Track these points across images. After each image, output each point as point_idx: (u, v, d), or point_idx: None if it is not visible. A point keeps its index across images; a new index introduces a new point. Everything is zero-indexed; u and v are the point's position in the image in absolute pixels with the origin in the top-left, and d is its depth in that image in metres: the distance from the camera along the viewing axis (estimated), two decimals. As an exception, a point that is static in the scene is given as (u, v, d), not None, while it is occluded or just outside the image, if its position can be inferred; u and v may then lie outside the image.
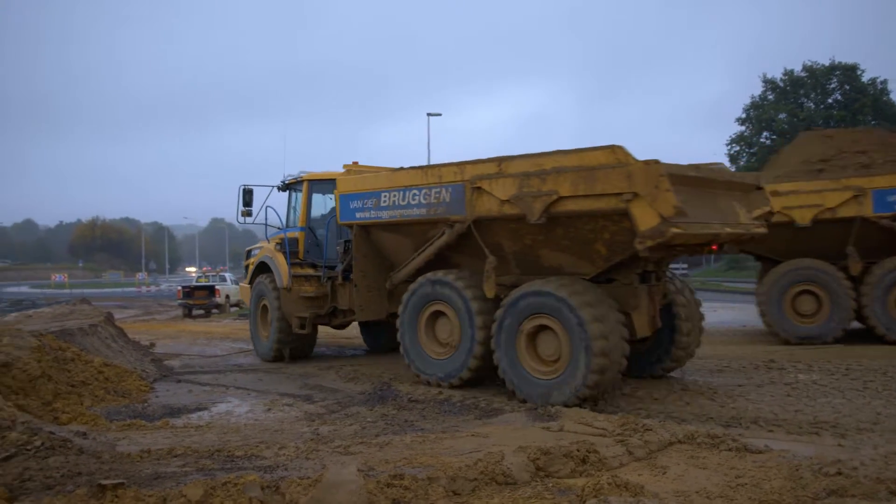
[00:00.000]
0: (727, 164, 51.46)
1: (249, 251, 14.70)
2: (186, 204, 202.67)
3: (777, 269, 13.52)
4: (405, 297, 9.95)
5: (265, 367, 11.79)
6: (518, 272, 9.07)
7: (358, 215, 10.46)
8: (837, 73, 47.11)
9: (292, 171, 13.25)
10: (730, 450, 5.63)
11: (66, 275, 70.53)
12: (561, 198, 7.95)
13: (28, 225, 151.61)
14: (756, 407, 7.79)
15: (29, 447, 5.64)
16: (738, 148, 50.56)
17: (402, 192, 9.73)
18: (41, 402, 7.55)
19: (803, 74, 47.87)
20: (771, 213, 9.26)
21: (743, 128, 50.17)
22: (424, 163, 10.13)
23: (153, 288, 57.67)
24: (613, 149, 7.66)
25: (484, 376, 9.21)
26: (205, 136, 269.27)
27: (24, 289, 69.18)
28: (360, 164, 12.52)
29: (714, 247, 8.75)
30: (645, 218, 7.36)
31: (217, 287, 27.53)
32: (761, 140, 49.31)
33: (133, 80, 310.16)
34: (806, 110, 46.92)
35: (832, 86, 47.66)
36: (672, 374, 9.97)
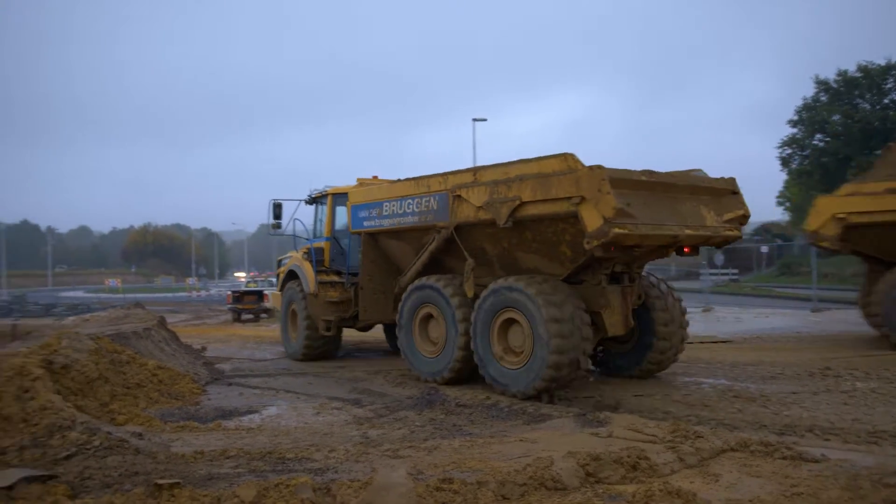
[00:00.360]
0: (779, 167, 50.59)
1: (280, 260, 15.58)
2: (235, 210, 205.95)
3: (895, 272, 12.88)
4: (402, 301, 10.83)
5: (314, 370, 11.91)
6: (503, 274, 9.65)
7: (365, 224, 11.43)
8: (894, 72, 45.85)
9: (318, 185, 14.15)
10: (784, 458, 5.52)
11: (119, 280, 72.16)
12: (523, 203, 8.63)
13: (83, 231, 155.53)
14: (811, 415, 7.61)
15: (88, 447, 5.80)
16: (790, 151, 49.55)
17: (399, 202, 10.68)
18: (98, 404, 7.73)
19: (858, 75, 46.69)
20: (745, 217, 9.38)
21: (795, 130, 49.12)
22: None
23: (203, 293, 58.67)
24: (565, 156, 8.35)
25: (468, 375, 9.84)
26: (255, 143, 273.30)
27: (80, 293, 70.94)
28: (378, 177, 13.30)
29: (687, 249, 9.22)
30: (591, 219, 7.95)
31: (266, 292, 27.88)
32: (814, 142, 48.24)
33: (183, 86, 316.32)
34: (861, 111, 45.74)
35: (888, 86, 46.38)
36: (658, 374, 10.35)
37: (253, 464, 5.64)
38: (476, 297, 9.58)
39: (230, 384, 10.62)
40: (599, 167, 7.96)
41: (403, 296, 10.80)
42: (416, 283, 10.58)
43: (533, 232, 8.99)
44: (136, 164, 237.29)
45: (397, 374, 11.09)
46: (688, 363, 11.66)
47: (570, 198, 8.09)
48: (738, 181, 9.50)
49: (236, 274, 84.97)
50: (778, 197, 58.08)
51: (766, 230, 62.70)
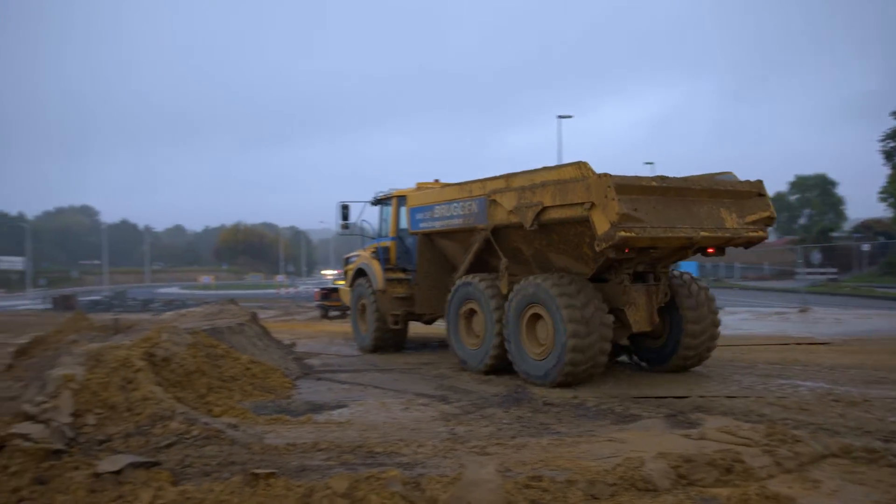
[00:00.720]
0: (881, 160, 48.28)
1: (347, 258, 16.93)
2: (322, 209, 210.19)
3: None
4: (449, 297, 11.70)
5: (401, 367, 12.05)
6: (538, 272, 10.32)
7: (421, 225, 12.43)
8: None
9: (382, 188, 15.02)
10: (891, 466, 5.26)
11: (212, 276, 74.67)
12: (545, 207, 9.36)
13: (177, 230, 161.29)
14: (920, 421, 7.22)
15: (187, 436, 6.03)
16: (893, 144, 47.18)
17: (447, 205, 11.63)
18: (196, 395, 8.03)
19: (968, 63, 43.99)
20: (770, 219, 9.75)
21: (898, 122, 46.71)
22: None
23: (291, 290, 60.00)
24: (579, 164, 9.05)
25: (505, 365, 10.43)
26: (340, 142, 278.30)
27: (175, 289, 73.72)
28: (439, 181, 13.95)
29: (711, 250, 9.69)
30: (600, 223, 8.60)
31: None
32: (921, 135, 45.77)
33: (274, 89, 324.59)
34: (971, 101, 43.12)
35: None
36: (695, 369, 10.67)
37: (343, 457, 5.75)
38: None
39: (319, 379, 10.84)
40: (606, 175, 8.60)
41: (451, 291, 11.67)
42: (461, 280, 11.49)
43: (558, 234, 9.69)
44: (228, 165, 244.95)
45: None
46: (782, 365, 11.27)
47: (582, 203, 8.78)
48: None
49: (323, 272, 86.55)
50: (880, 193, 55.35)
51: (867, 227, 59.90)
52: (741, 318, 20.87)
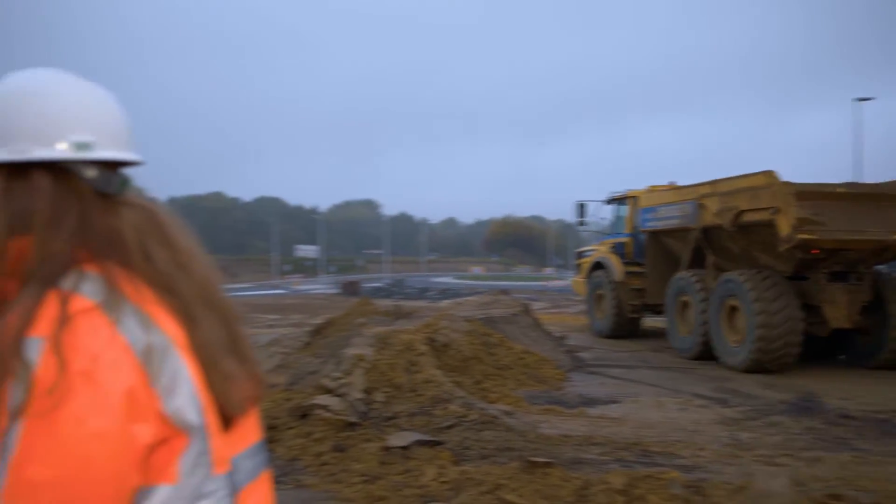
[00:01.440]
0: None
1: (580, 252, 18.49)
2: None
3: None
4: (668, 289, 12.92)
5: (676, 365, 11.63)
6: (745, 268, 11.01)
7: (648, 224, 13.95)
8: None
9: (625, 186, 16.31)
10: None
11: (482, 268, 77.49)
12: (741, 211, 10.51)
13: (450, 222, 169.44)
14: None
15: (466, 419, 6.27)
16: None
17: (668, 207, 13.04)
18: (472, 381, 8.35)
19: None
20: None
21: None
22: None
23: (559, 282, 60.36)
24: (767, 173, 10.05)
25: (709, 353, 11.35)
26: (614, 135, 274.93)
27: (448, 279, 77.48)
28: (675, 183, 14.82)
29: None
30: (783, 226, 9.56)
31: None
32: None
33: (546, 86, 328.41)
34: None
35: None
36: None
37: (618, 453, 5.65)
38: None
39: (591, 373, 10.79)
40: (788, 183, 9.65)
41: (668, 287, 12.88)
42: (677, 275, 12.72)
43: (756, 235, 10.58)
44: (500, 161, 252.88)
45: (766, 374, 10.34)
46: None
47: (769, 208, 9.76)
48: None
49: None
50: None
51: None
52: None
